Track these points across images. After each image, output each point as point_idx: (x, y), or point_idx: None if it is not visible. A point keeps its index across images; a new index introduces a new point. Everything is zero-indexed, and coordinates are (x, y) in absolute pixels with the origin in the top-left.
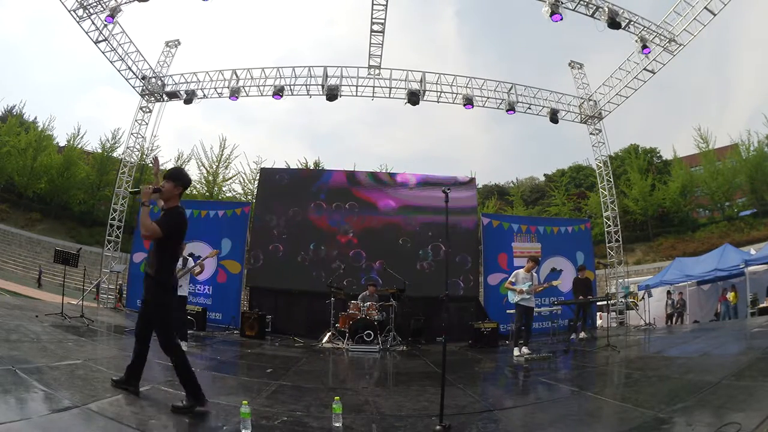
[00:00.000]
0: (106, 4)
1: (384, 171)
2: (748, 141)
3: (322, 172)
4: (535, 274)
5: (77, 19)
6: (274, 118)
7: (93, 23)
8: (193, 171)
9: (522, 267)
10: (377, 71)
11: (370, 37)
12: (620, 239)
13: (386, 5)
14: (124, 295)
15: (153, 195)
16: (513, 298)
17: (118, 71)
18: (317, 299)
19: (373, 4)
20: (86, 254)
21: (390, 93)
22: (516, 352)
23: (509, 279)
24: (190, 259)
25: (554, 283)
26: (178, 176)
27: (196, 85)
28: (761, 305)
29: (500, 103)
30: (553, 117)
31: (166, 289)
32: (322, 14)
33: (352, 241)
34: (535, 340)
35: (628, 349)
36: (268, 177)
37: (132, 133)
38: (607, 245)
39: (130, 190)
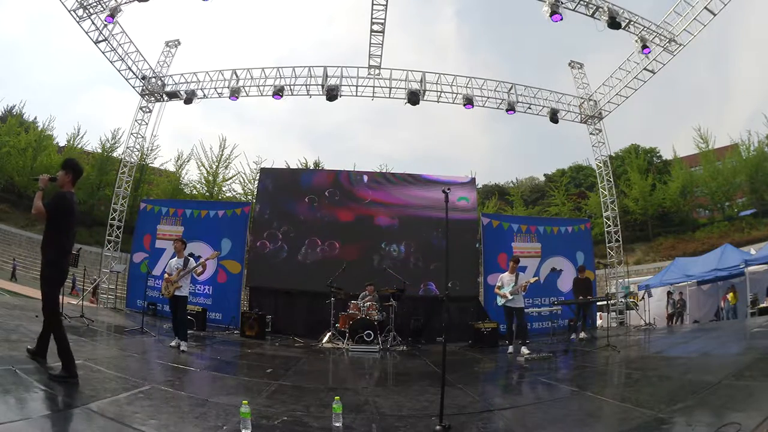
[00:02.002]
0: (106, 4)
1: (385, 171)
2: (748, 141)
3: (324, 172)
4: (521, 274)
5: (77, 19)
6: (274, 118)
7: (93, 23)
8: (193, 171)
9: (524, 268)
10: (377, 71)
11: (370, 37)
12: (620, 239)
13: (386, 5)
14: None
15: (49, 183)
16: (500, 301)
17: (118, 71)
18: (317, 299)
19: (373, 4)
20: (86, 254)
21: (390, 93)
22: (510, 349)
23: (497, 284)
24: (191, 259)
25: (531, 280)
26: (67, 165)
27: (196, 85)
28: (761, 305)
29: (500, 103)
30: (553, 117)
31: (53, 265)
32: (322, 14)
33: (351, 240)
34: (535, 340)
35: (628, 349)
36: (268, 177)
37: (132, 133)
38: (607, 245)
39: (32, 177)
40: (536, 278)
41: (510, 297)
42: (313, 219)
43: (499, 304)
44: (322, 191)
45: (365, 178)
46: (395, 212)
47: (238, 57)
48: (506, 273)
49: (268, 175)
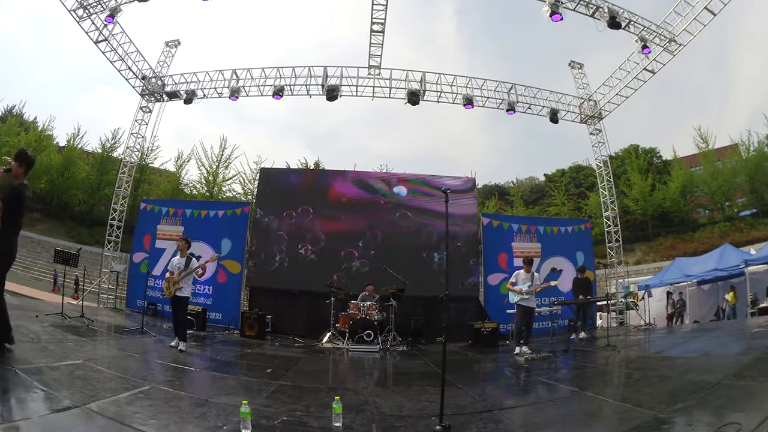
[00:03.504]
0: (106, 4)
1: (385, 171)
2: (748, 141)
3: (324, 172)
4: (536, 274)
5: (77, 19)
6: (274, 118)
7: (93, 23)
8: (193, 171)
9: (521, 267)
10: (377, 71)
11: (370, 37)
12: (620, 239)
13: (386, 5)
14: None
15: (6, 175)
16: (513, 298)
17: (118, 71)
18: (317, 299)
19: (373, 4)
20: (86, 254)
21: (390, 93)
22: (517, 350)
23: (510, 279)
24: (194, 258)
25: (553, 283)
26: (20, 156)
27: (196, 85)
28: (761, 305)
29: (500, 103)
30: (553, 117)
31: (5, 253)
32: (322, 14)
33: (353, 240)
34: (535, 340)
35: (628, 349)
36: (269, 177)
37: (132, 133)
38: (607, 245)
39: None
40: (557, 282)
41: (526, 296)
42: (313, 218)
43: (513, 300)
44: (322, 190)
45: (368, 177)
46: (402, 210)
47: (238, 57)
48: (522, 271)
49: (268, 175)
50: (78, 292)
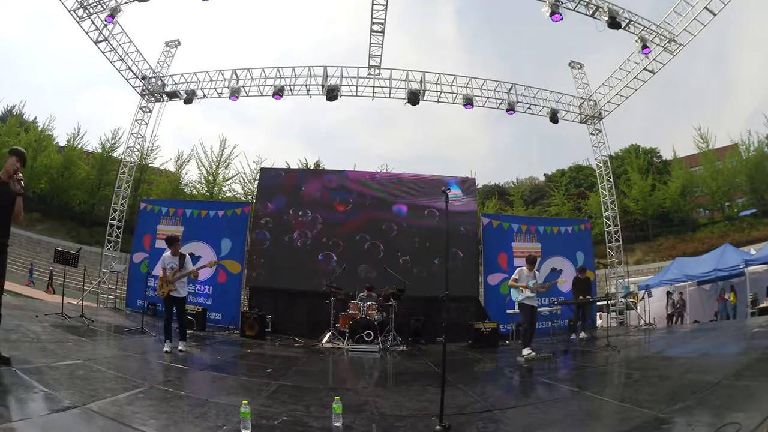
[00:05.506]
0: (106, 4)
1: (385, 171)
2: (748, 141)
3: (324, 172)
4: (537, 273)
5: (77, 19)
6: (274, 118)
7: (93, 23)
8: (193, 171)
9: (523, 266)
10: (377, 71)
11: (370, 37)
12: (620, 239)
13: (386, 5)
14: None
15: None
16: (517, 297)
17: (118, 71)
18: (317, 299)
19: (373, 4)
20: (86, 254)
21: (390, 93)
22: (524, 352)
23: (513, 276)
24: (187, 256)
25: (558, 281)
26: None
27: (196, 85)
28: (761, 305)
29: (500, 103)
30: (553, 117)
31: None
32: (322, 14)
33: (355, 240)
34: (535, 340)
35: (628, 349)
36: (268, 176)
37: (132, 133)
38: (607, 245)
39: None
40: (563, 279)
41: (531, 294)
42: (313, 218)
43: (517, 299)
44: (322, 191)
45: (367, 177)
46: (400, 210)
47: (238, 57)
48: (524, 267)
49: (267, 174)
50: (51, 286)
